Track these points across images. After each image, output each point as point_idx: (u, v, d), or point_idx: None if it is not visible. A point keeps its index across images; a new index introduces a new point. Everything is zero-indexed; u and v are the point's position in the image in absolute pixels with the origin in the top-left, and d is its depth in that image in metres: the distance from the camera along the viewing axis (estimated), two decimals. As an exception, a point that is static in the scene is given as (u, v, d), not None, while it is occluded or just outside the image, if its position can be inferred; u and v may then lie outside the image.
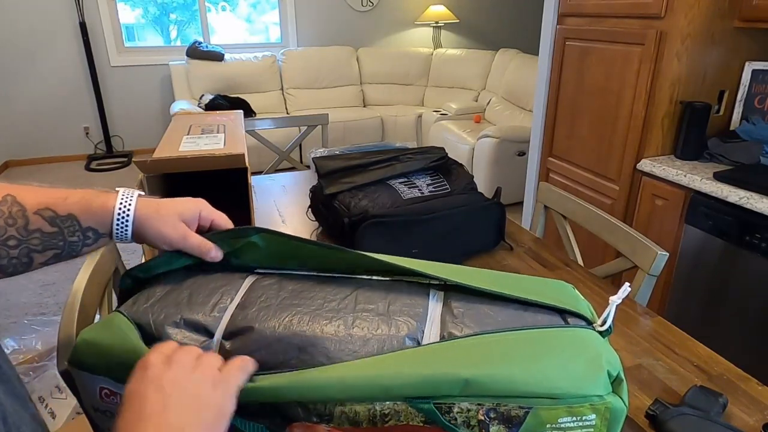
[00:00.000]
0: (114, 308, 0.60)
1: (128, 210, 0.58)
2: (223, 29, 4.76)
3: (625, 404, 0.50)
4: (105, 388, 0.54)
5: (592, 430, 0.49)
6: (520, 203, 2.66)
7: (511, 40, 5.25)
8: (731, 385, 0.73)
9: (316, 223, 1.28)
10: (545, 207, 1.44)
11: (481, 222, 1.10)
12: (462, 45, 5.29)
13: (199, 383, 0.46)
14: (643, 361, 0.78)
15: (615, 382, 0.51)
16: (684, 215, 1.63)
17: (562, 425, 0.49)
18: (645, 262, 1.06)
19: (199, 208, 0.63)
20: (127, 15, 4.45)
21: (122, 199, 0.59)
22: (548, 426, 0.49)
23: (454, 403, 0.49)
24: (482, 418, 0.49)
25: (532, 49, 3.12)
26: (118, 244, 0.77)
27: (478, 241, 1.12)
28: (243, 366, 0.49)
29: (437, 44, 5.12)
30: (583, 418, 0.49)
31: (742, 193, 1.43)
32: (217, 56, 4.26)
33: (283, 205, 1.42)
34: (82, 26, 4.08)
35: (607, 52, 1.87)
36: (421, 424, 0.49)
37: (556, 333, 0.53)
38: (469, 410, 0.49)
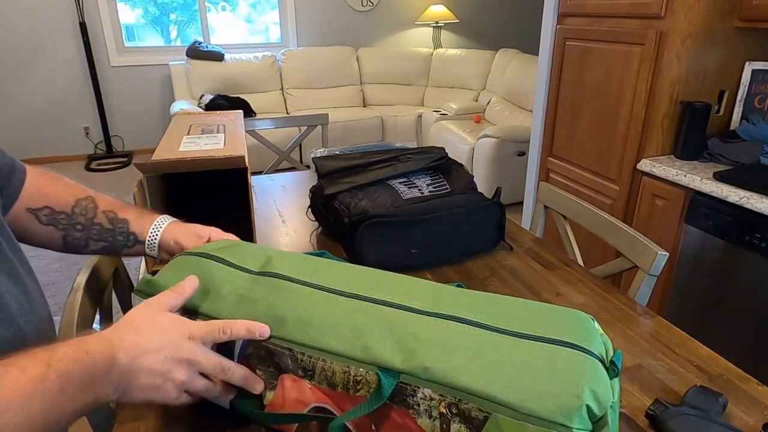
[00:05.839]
0: (122, 305, 0.62)
1: (161, 227, 0.76)
2: (223, 29, 4.76)
3: None
4: None
5: None
6: (520, 203, 2.66)
7: (511, 40, 5.25)
8: (731, 385, 0.73)
9: (316, 223, 1.28)
10: (545, 207, 1.44)
11: (481, 222, 1.10)
12: (462, 45, 5.28)
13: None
14: (643, 361, 0.78)
15: (598, 423, 0.46)
16: (684, 215, 1.63)
17: None
18: (645, 262, 1.06)
19: (209, 230, 0.77)
20: (127, 15, 4.45)
21: (160, 219, 0.77)
22: None
23: (418, 387, 0.51)
24: (444, 411, 0.50)
25: (532, 49, 3.12)
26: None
27: (478, 241, 1.12)
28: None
29: (437, 44, 5.11)
30: None
31: (742, 193, 1.43)
32: (217, 56, 4.26)
33: (283, 205, 1.42)
34: (82, 26, 4.08)
35: (607, 52, 1.87)
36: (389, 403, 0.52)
37: (550, 348, 0.50)
38: (432, 399, 0.50)
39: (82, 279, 0.88)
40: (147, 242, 0.75)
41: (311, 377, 0.55)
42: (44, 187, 0.73)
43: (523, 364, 0.48)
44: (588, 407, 0.45)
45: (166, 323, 0.54)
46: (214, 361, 0.54)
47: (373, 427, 0.54)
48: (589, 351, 0.50)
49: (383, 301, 0.58)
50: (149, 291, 0.61)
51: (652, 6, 1.66)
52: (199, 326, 0.54)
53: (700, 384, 0.70)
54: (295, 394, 0.56)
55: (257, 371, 0.57)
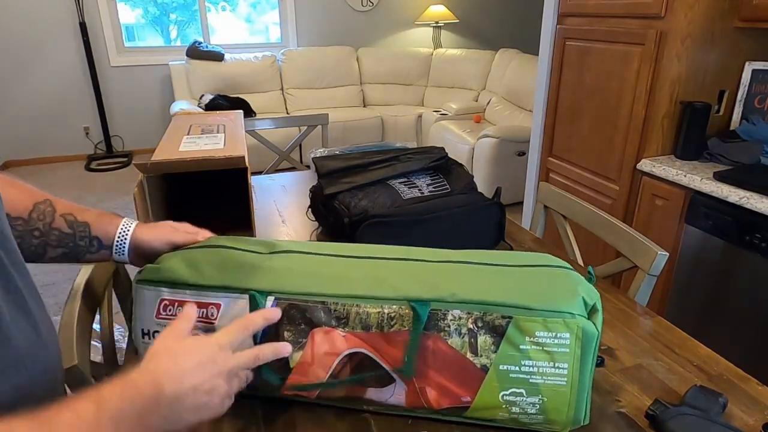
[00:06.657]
0: (119, 308, 0.63)
1: (128, 229, 0.71)
2: (223, 29, 4.76)
3: (597, 330, 0.57)
4: (165, 300, 0.64)
5: (568, 350, 0.57)
6: (520, 203, 2.66)
7: (511, 40, 5.25)
8: (731, 385, 0.73)
9: (316, 223, 1.28)
10: (545, 207, 1.44)
11: (481, 222, 1.10)
12: (462, 45, 5.28)
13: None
14: (643, 361, 0.78)
15: (591, 311, 0.59)
16: (684, 215, 1.63)
17: (540, 340, 0.57)
18: (645, 262, 1.06)
19: (182, 225, 0.74)
20: (127, 15, 4.45)
21: (125, 222, 0.71)
22: (527, 339, 0.57)
23: (448, 310, 0.58)
24: (471, 326, 0.58)
25: (532, 49, 3.12)
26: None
27: (478, 241, 1.12)
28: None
29: (437, 44, 5.11)
30: (558, 335, 0.57)
31: (742, 193, 1.43)
32: (217, 56, 4.26)
33: (283, 205, 1.42)
34: (82, 26, 4.08)
35: (607, 52, 1.87)
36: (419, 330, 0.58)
37: (539, 269, 0.63)
38: (460, 318, 0.58)
39: (81, 280, 0.88)
40: (115, 247, 0.70)
41: (345, 324, 0.60)
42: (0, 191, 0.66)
43: (529, 279, 0.61)
44: (583, 298, 0.59)
45: (195, 343, 0.55)
46: (246, 356, 0.57)
47: (406, 360, 0.59)
48: (570, 268, 0.64)
49: (395, 258, 0.66)
50: (155, 278, 0.64)
51: (652, 6, 1.66)
52: (222, 335, 0.56)
53: (700, 384, 0.70)
54: (326, 347, 0.60)
55: (285, 332, 0.61)
